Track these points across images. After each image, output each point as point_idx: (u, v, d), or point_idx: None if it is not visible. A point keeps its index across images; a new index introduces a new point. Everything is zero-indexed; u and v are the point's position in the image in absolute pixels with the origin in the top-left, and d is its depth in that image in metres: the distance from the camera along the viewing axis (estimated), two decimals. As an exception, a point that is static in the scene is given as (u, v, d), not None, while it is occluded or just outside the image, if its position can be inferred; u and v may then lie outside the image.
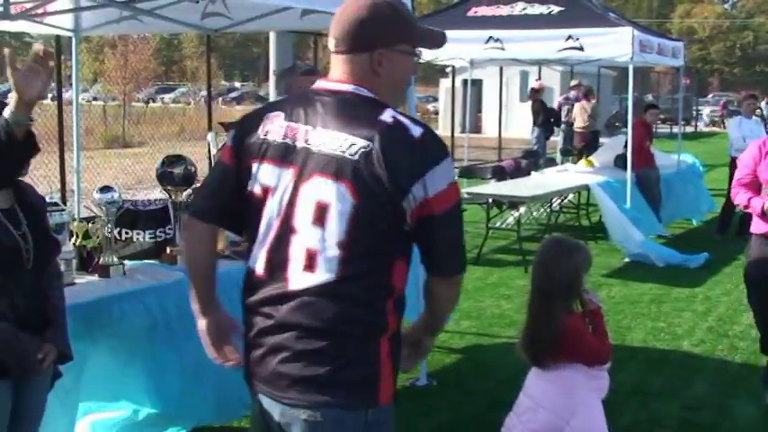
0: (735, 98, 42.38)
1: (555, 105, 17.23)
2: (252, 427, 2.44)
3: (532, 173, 11.04)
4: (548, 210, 11.39)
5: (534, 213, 11.37)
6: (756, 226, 5.07)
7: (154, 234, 4.40)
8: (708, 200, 12.47)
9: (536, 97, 17.01)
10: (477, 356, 6.09)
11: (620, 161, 10.78)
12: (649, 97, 31.82)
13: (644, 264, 9.02)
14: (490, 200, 9.52)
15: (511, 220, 10.33)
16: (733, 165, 10.95)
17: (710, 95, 56.07)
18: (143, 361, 3.92)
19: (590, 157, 11.82)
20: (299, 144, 2.19)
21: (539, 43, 9.81)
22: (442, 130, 29.56)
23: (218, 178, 2.39)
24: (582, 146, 15.45)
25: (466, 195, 9.80)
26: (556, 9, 10.09)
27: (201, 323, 2.43)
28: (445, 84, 30.50)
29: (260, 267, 2.26)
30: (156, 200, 4.58)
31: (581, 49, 9.48)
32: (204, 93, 13.84)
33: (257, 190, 2.25)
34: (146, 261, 4.33)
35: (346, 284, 2.15)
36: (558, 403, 3.39)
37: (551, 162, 13.48)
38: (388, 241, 2.17)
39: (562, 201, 11.40)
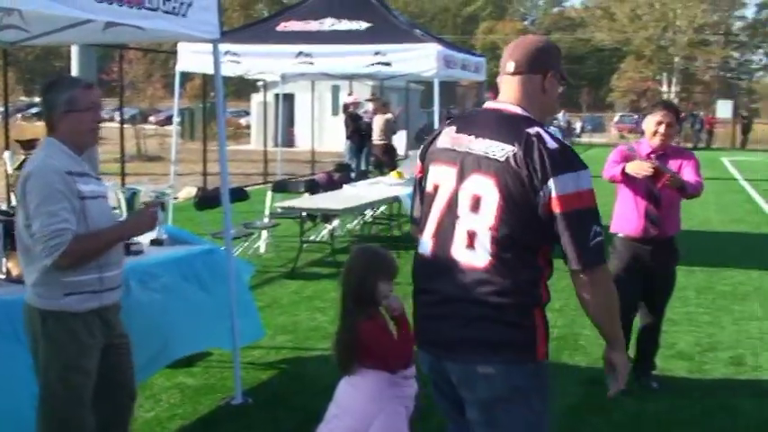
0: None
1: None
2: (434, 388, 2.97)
3: (345, 186, 11.20)
4: (361, 222, 11.59)
5: (348, 226, 11.55)
6: (615, 226, 5.49)
7: (-56, 260, 4.14)
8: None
9: (349, 111, 17.33)
10: (294, 370, 6.11)
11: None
12: (455, 110, 32.94)
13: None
14: (304, 213, 9.59)
15: (325, 233, 10.44)
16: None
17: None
18: None
19: (399, 170, 12.12)
20: (462, 149, 2.77)
21: (348, 58, 9.99)
22: (255, 144, 29.49)
23: (416, 192, 3.03)
24: (376, 159, 15.94)
25: (279, 210, 9.84)
26: (364, 25, 10.30)
27: None
28: (257, 98, 30.40)
29: (428, 251, 2.82)
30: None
31: (388, 64, 9.74)
32: (1, 109, 13.10)
33: (430, 188, 2.86)
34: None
35: (500, 263, 2.65)
36: (360, 409, 3.49)
37: (364, 175, 13.73)
38: (530, 229, 2.65)
39: (375, 212, 11.63)
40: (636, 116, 46.79)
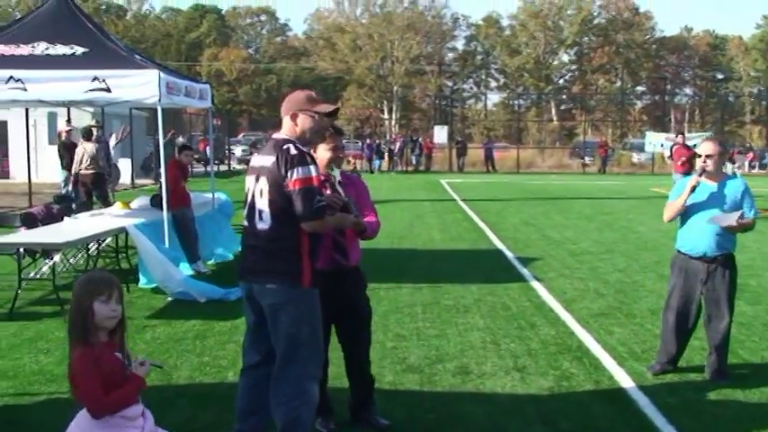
0: (264, 137, 45.13)
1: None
2: (247, 306, 4.74)
3: (66, 218, 10.63)
4: (85, 255, 11.06)
5: (71, 260, 10.97)
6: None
7: None
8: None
9: (63, 140, 16.49)
10: (17, 418, 5.68)
11: (156, 201, 10.86)
12: (180, 138, 32.35)
13: (187, 301, 9.17)
14: (21, 249, 8.97)
15: (45, 269, 9.85)
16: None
17: (241, 135, 58.94)
18: None
19: (126, 200, 11.72)
20: (257, 164, 4.67)
21: (64, 84, 9.51)
22: (-37, 177, 27.26)
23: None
24: (86, 189, 15.35)
25: (-7, 246, 9.15)
26: (80, 50, 9.88)
27: None
28: (-37, 127, 28.01)
29: (245, 223, 4.69)
30: None
31: (108, 90, 9.39)
32: None
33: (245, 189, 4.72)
34: None
35: (275, 227, 4.49)
36: None
37: (86, 206, 13.13)
38: (285, 204, 4.42)
39: (100, 245, 11.15)
40: (360, 142, 48.52)
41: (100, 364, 3.38)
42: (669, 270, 6.69)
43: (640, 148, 45.91)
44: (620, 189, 29.62)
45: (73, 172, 15.87)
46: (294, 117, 4.61)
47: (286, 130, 4.65)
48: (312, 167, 4.42)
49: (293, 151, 4.42)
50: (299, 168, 4.37)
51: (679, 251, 6.53)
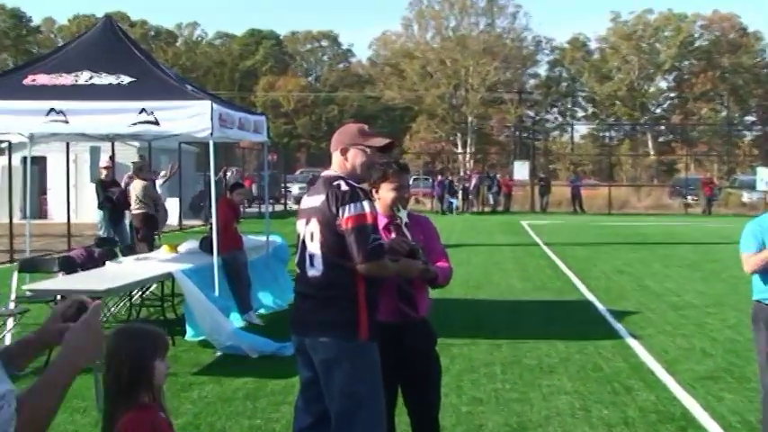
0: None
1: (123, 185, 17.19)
2: (298, 361, 4.77)
3: (108, 263, 10.81)
4: (127, 304, 11.21)
5: (112, 309, 11.13)
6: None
7: None
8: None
9: (100, 178, 16.85)
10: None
11: (205, 244, 10.97)
12: (230, 173, 32.59)
13: (237, 357, 9.20)
14: (59, 296, 9.13)
15: (85, 318, 9.98)
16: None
17: (299, 171, 59.65)
18: None
19: (173, 243, 11.87)
20: (306, 206, 4.77)
21: (108, 116, 9.71)
22: (-1, 216, 27.97)
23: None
24: (137, 230, 15.59)
25: (28, 293, 9.33)
26: (127, 80, 10.08)
27: None
28: (0, 161, 28.84)
29: (297, 269, 4.81)
30: None
31: (156, 123, 9.55)
32: None
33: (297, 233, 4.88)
34: None
35: (328, 273, 4.52)
36: None
37: (131, 249, 13.35)
38: (339, 246, 4.45)
39: (144, 292, 11.29)
40: (430, 179, 48.64)
41: (155, 426, 3.34)
42: (752, 326, 6.28)
43: (751, 186, 44.99)
44: (728, 233, 28.99)
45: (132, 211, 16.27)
46: (344, 152, 4.68)
47: (336, 166, 4.72)
48: (366, 203, 4.46)
49: (344, 187, 4.48)
50: (352, 205, 4.41)
51: (760, 302, 6.12)
